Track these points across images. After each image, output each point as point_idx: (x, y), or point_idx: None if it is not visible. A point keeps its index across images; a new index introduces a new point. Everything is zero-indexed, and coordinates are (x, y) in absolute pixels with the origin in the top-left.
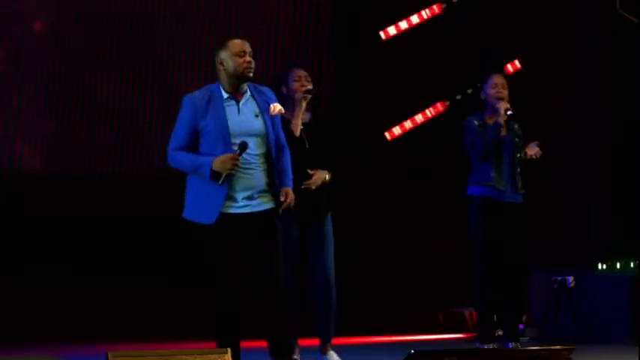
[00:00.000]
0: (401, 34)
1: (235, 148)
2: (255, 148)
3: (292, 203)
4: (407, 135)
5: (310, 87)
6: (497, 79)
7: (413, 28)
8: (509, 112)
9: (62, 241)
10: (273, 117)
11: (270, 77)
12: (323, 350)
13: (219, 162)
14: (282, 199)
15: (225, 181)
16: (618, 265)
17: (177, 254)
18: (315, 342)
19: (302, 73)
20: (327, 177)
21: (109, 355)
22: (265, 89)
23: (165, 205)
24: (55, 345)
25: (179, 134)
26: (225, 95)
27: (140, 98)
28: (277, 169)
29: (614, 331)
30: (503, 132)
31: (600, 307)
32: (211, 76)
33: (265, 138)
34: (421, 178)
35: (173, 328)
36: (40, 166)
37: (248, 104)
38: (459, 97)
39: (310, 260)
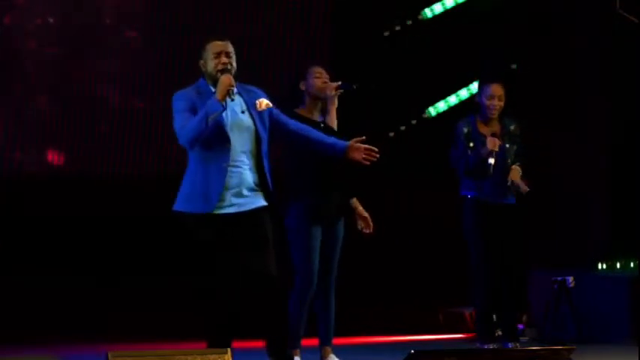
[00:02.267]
0: (401, 34)
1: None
2: (243, 144)
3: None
4: (407, 134)
5: (340, 83)
6: (495, 90)
7: (413, 28)
8: (490, 161)
9: (62, 241)
10: (260, 112)
11: (269, 76)
12: (323, 354)
13: (218, 89)
14: (364, 150)
15: (233, 95)
16: (618, 265)
17: (177, 254)
18: (315, 342)
19: (321, 69)
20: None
21: (109, 355)
22: (255, 88)
23: (166, 205)
24: (55, 345)
25: (183, 118)
26: (212, 89)
27: (140, 98)
28: (316, 143)
29: (614, 331)
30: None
31: (600, 307)
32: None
33: (254, 134)
34: (421, 177)
35: (173, 328)
36: (40, 166)
37: (235, 101)
38: (457, 98)
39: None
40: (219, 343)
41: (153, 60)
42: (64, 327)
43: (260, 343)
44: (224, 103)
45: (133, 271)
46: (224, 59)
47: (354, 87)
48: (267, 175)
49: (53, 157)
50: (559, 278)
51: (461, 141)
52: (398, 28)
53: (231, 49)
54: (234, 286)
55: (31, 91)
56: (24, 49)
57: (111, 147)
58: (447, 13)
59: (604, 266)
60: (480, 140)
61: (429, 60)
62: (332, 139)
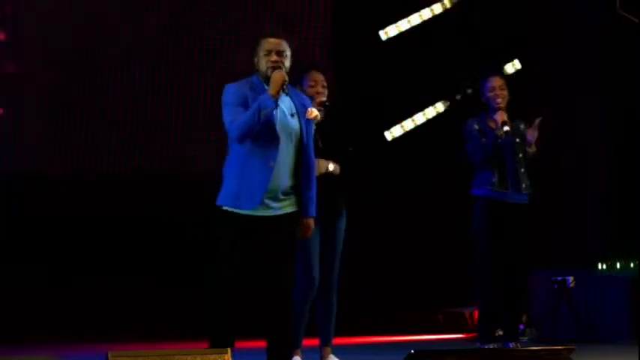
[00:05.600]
0: (401, 34)
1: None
2: (286, 147)
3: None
4: (407, 135)
5: (324, 98)
6: (495, 82)
7: (413, 28)
8: (505, 128)
9: (62, 241)
10: (308, 120)
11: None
12: (323, 354)
13: (271, 85)
14: (300, 233)
15: (287, 90)
16: (618, 265)
17: (177, 254)
18: (315, 342)
19: (319, 77)
20: (331, 167)
21: (109, 355)
22: (304, 96)
23: (165, 205)
24: (55, 345)
25: (234, 112)
26: (265, 86)
27: (140, 98)
28: (305, 184)
29: (614, 331)
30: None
31: (600, 307)
32: (213, 76)
33: (299, 138)
34: (421, 178)
35: (173, 328)
36: (40, 166)
37: (285, 102)
38: (458, 97)
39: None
40: (220, 342)
41: (154, 60)
42: (64, 327)
43: (261, 343)
44: (277, 100)
45: (134, 271)
46: (274, 57)
47: (327, 103)
48: (303, 181)
49: (53, 157)
50: (559, 278)
51: (474, 135)
52: (397, 29)
53: (284, 47)
54: (237, 286)
55: (32, 90)
56: (24, 47)
57: (111, 147)
58: (447, 12)
59: (604, 266)
60: (492, 134)
61: (429, 61)
62: (312, 206)
